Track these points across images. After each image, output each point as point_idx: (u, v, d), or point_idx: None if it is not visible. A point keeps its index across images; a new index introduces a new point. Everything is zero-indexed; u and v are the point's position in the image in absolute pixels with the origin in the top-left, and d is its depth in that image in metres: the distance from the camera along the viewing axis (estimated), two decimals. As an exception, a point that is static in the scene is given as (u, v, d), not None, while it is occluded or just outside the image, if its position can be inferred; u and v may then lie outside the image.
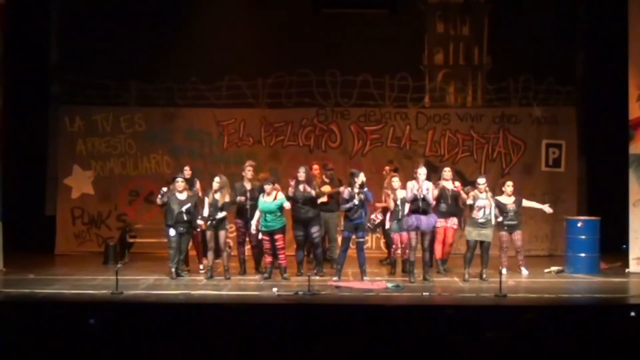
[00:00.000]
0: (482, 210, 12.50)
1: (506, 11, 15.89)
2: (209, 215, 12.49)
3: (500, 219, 12.98)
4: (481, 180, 12.72)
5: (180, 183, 12.71)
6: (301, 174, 12.78)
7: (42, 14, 15.85)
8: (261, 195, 12.49)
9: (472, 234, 12.57)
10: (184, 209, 12.59)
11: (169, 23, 15.59)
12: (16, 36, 14.47)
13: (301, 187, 12.70)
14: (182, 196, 12.68)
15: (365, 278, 12.40)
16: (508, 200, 13.24)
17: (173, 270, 12.57)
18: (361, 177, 12.42)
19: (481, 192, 12.59)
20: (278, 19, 15.70)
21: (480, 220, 12.50)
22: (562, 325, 7.71)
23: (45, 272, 13.20)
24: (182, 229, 12.62)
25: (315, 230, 12.80)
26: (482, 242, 12.57)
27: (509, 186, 13.31)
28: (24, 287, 11.67)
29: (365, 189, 12.38)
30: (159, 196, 12.75)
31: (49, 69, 16.08)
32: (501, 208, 13.16)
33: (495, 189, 14.70)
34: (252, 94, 16.13)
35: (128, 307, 10.42)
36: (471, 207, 12.67)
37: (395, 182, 12.65)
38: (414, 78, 16.17)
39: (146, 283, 12.26)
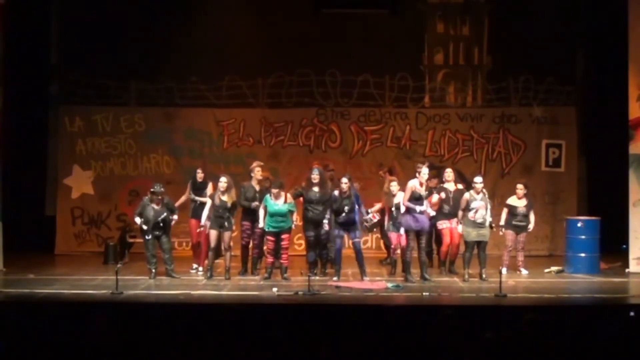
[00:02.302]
0: (478, 211, 12.48)
1: (506, 11, 15.89)
2: (218, 216, 12.49)
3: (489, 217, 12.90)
4: (478, 180, 12.71)
5: (157, 196, 12.73)
6: (315, 175, 12.75)
7: (42, 14, 15.85)
8: (269, 197, 12.45)
9: (472, 234, 12.55)
10: (160, 218, 12.65)
11: (169, 23, 15.59)
12: (16, 36, 14.47)
13: (316, 188, 12.70)
14: (157, 206, 12.73)
15: (365, 278, 12.39)
16: (519, 202, 13.23)
17: (153, 270, 12.62)
18: (342, 184, 12.47)
19: (477, 193, 12.57)
20: (278, 19, 15.70)
21: (479, 221, 12.50)
22: (562, 325, 7.71)
23: (45, 272, 13.20)
24: (157, 232, 12.68)
25: (324, 231, 12.81)
26: (479, 242, 12.57)
27: (520, 189, 13.28)
28: (24, 287, 11.66)
29: (352, 196, 12.39)
30: (139, 211, 12.82)
31: (49, 69, 16.08)
32: (511, 210, 13.17)
33: (495, 189, 14.76)
34: (252, 94, 16.12)
35: (128, 307, 10.41)
36: (467, 208, 12.64)
37: (394, 186, 12.63)
38: (414, 78, 16.16)
39: (146, 283, 12.26)
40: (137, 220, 12.75)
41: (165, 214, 12.69)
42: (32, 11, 15.40)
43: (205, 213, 12.65)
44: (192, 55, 15.70)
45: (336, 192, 12.61)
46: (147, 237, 12.68)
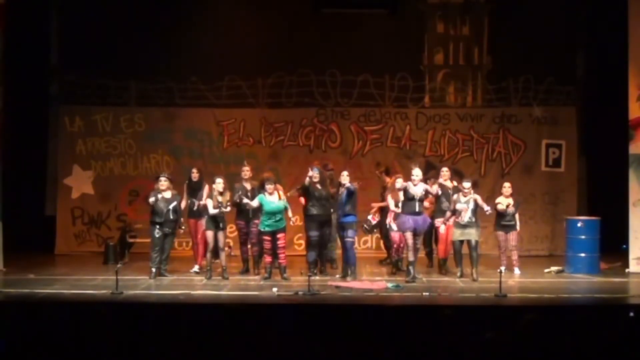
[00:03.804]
0: (462, 213, 12.53)
1: (506, 11, 15.90)
2: (213, 217, 12.48)
3: (487, 210, 12.93)
4: (466, 185, 12.73)
5: (164, 182, 12.71)
6: (315, 174, 12.75)
7: (42, 14, 15.86)
8: (263, 196, 12.45)
9: (456, 234, 12.67)
10: (171, 207, 12.64)
11: (169, 23, 15.60)
12: (16, 36, 14.47)
13: (319, 186, 12.70)
14: (167, 195, 12.72)
15: (347, 278, 12.37)
16: (506, 202, 13.22)
17: (154, 270, 12.60)
18: (343, 177, 12.50)
19: (465, 196, 12.60)
20: (278, 19, 15.71)
21: (462, 223, 12.55)
22: (562, 325, 7.71)
23: (45, 272, 13.20)
24: (168, 229, 12.68)
25: (329, 231, 12.81)
26: (469, 241, 12.60)
27: (505, 187, 13.32)
28: (24, 287, 11.66)
29: (346, 189, 12.41)
30: (153, 198, 12.72)
31: (49, 69, 16.09)
32: (499, 210, 13.18)
33: (495, 189, 14.75)
34: (252, 94, 16.12)
35: (128, 307, 10.41)
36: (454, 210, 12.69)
37: (399, 183, 12.66)
38: (414, 78, 16.16)
39: (146, 283, 12.26)
40: (152, 199, 12.62)
41: (175, 202, 12.69)
42: (32, 11, 15.40)
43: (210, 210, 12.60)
44: (192, 55, 15.70)
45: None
46: (156, 235, 12.62)
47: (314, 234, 12.76)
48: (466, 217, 12.52)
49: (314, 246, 12.85)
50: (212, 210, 12.52)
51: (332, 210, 12.84)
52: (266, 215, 12.37)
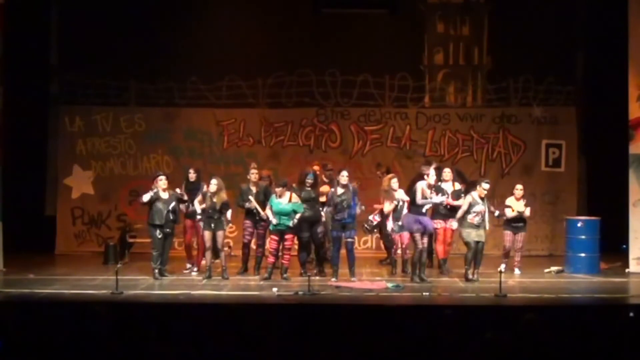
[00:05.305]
0: (478, 215, 12.48)
1: (506, 11, 15.89)
2: (209, 217, 12.49)
3: (497, 213, 12.96)
4: (486, 186, 12.63)
5: (164, 181, 12.69)
6: (309, 180, 12.78)
7: (42, 14, 15.86)
8: (274, 196, 12.44)
9: (472, 234, 12.55)
10: (170, 207, 12.62)
11: (169, 23, 15.60)
12: (16, 36, 14.47)
13: (309, 188, 12.72)
14: (165, 195, 12.68)
15: (353, 279, 12.33)
16: (517, 204, 13.18)
17: (157, 271, 12.57)
18: (342, 177, 12.46)
19: (481, 198, 12.54)
20: (278, 19, 15.72)
21: (476, 224, 12.51)
22: (562, 325, 7.72)
23: (45, 272, 13.20)
24: (168, 230, 12.65)
25: (320, 230, 12.82)
26: (477, 243, 12.57)
27: (518, 189, 13.28)
28: (24, 287, 11.67)
29: (349, 192, 12.38)
30: (149, 195, 12.67)
31: (49, 69, 16.08)
32: (510, 217, 13.15)
33: (495, 189, 14.74)
34: (252, 94, 16.12)
35: (128, 307, 10.41)
36: (468, 210, 12.59)
37: (394, 183, 12.65)
38: (414, 78, 16.16)
39: (146, 283, 12.26)
40: (145, 197, 12.58)
41: (173, 203, 12.66)
42: (32, 11, 15.40)
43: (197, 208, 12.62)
44: (192, 55, 15.70)
45: (332, 189, 12.61)
46: (158, 236, 12.59)
47: (305, 234, 12.78)
48: (486, 219, 12.49)
49: (305, 247, 12.87)
50: (196, 207, 12.56)
51: (323, 209, 12.81)
52: (276, 216, 12.38)
